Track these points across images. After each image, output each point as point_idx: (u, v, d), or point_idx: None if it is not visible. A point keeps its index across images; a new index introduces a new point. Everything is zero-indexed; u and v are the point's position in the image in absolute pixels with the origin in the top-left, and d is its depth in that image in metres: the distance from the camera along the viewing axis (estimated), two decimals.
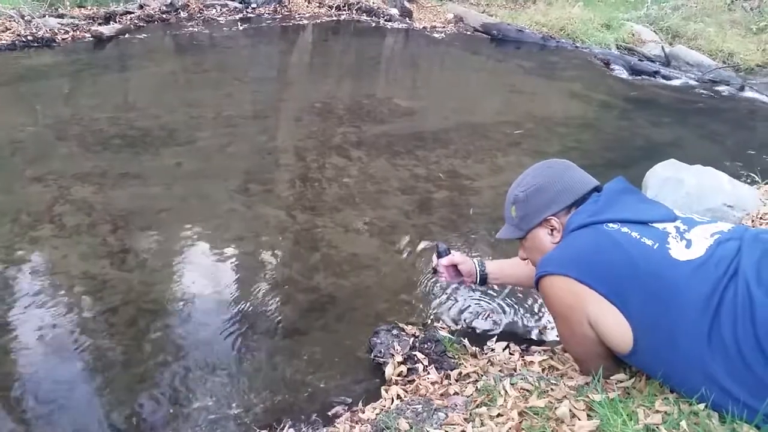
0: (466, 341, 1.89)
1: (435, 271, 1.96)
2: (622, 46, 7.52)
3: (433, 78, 6.22)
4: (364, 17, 8.02)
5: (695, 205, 2.61)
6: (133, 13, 6.66)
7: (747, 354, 1.18)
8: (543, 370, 1.68)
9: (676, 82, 6.11)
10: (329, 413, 1.66)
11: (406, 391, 1.66)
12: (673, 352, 1.27)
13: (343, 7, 8.15)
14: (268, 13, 7.71)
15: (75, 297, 2.12)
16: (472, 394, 1.54)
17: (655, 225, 1.37)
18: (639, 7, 9.11)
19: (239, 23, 7.11)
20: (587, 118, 4.79)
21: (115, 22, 6.36)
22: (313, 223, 2.73)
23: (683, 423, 1.21)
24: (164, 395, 1.71)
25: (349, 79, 5.64)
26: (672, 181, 2.76)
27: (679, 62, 6.97)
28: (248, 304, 2.14)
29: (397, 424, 1.42)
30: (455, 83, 5.83)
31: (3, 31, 5.59)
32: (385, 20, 7.93)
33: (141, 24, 6.55)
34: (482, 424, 1.36)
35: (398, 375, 1.73)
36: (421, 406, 1.50)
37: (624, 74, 6.29)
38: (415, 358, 1.78)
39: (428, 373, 1.72)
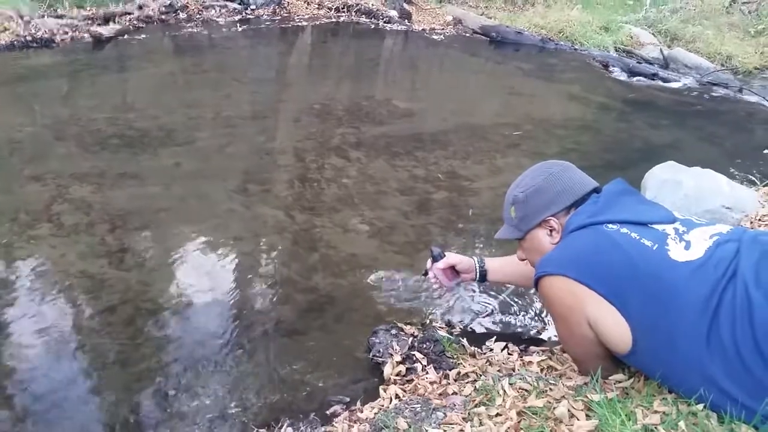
0: (464, 341, 1.89)
1: (426, 274, 1.95)
2: (620, 48, 7.54)
3: (432, 80, 6.23)
4: (363, 19, 8.02)
5: (694, 207, 2.61)
6: (132, 14, 6.65)
7: (745, 355, 1.18)
8: (542, 370, 1.68)
9: (674, 85, 6.12)
10: (328, 412, 1.66)
11: (405, 391, 1.66)
12: (671, 353, 1.27)
13: (343, 8, 8.15)
14: (267, 15, 7.71)
15: (73, 296, 2.12)
16: (470, 394, 1.54)
17: (655, 226, 1.37)
18: (637, 9, 9.14)
19: (238, 24, 7.11)
20: (586, 120, 4.79)
21: (114, 22, 6.35)
22: (311, 224, 2.73)
23: (681, 423, 1.21)
24: (162, 394, 1.71)
25: (348, 81, 5.64)
26: (671, 182, 2.77)
27: (678, 65, 6.99)
28: (247, 304, 2.14)
29: (396, 423, 1.42)
30: (454, 85, 5.84)
31: (2, 32, 5.57)
32: (384, 22, 7.94)
33: (140, 25, 6.54)
34: (481, 424, 1.37)
35: (397, 374, 1.73)
36: (419, 405, 1.50)
37: (622, 76, 6.30)
38: (414, 358, 1.78)
39: (427, 373, 1.72)
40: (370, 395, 1.69)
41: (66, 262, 2.31)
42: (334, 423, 1.59)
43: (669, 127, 4.69)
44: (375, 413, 1.56)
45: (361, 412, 1.60)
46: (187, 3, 7.36)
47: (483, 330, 2.04)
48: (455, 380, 1.67)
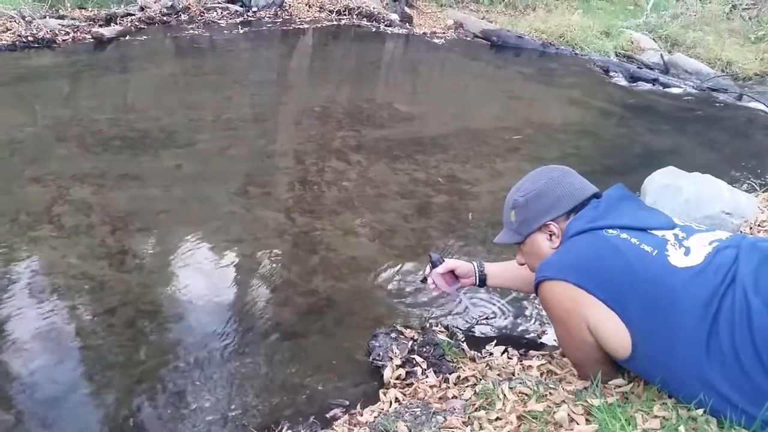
0: (464, 345, 1.89)
1: (424, 280, 1.96)
2: (621, 53, 7.56)
3: (433, 83, 6.24)
4: (364, 22, 8.04)
5: (693, 213, 2.62)
6: (133, 15, 6.66)
7: (745, 361, 1.18)
8: (542, 374, 1.68)
9: (674, 90, 6.14)
10: (327, 416, 1.65)
11: (405, 395, 1.66)
12: (671, 359, 1.28)
13: (344, 11, 8.17)
14: (269, 17, 7.72)
15: (73, 297, 2.11)
16: (470, 398, 1.54)
17: (654, 232, 1.37)
18: (638, 15, 9.18)
19: (240, 26, 7.12)
20: (586, 125, 4.80)
21: (116, 23, 6.36)
22: (312, 226, 2.73)
23: (681, 428, 1.22)
24: (162, 396, 1.71)
25: (349, 84, 5.65)
26: (670, 188, 2.78)
27: (678, 70, 7.01)
28: (247, 307, 2.14)
29: (396, 427, 1.42)
30: (455, 89, 5.85)
31: (3, 32, 5.59)
32: (386, 25, 7.95)
33: (142, 26, 6.55)
34: (481, 428, 1.37)
35: (397, 378, 1.73)
36: (419, 409, 1.50)
37: (623, 81, 6.32)
38: (414, 362, 1.78)
39: (427, 377, 1.72)
40: (370, 399, 1.69)
41: (66, 263, 2.31)
42: (333, 426, 1.59)
43: (669, 133, 4.70)
44: (375, 417, 1.56)
45: (361, 415, 1.60)
46: (189, 5, 7.37)
47: (483, 334, 2.04)
48: (455, 384, 1.67)
